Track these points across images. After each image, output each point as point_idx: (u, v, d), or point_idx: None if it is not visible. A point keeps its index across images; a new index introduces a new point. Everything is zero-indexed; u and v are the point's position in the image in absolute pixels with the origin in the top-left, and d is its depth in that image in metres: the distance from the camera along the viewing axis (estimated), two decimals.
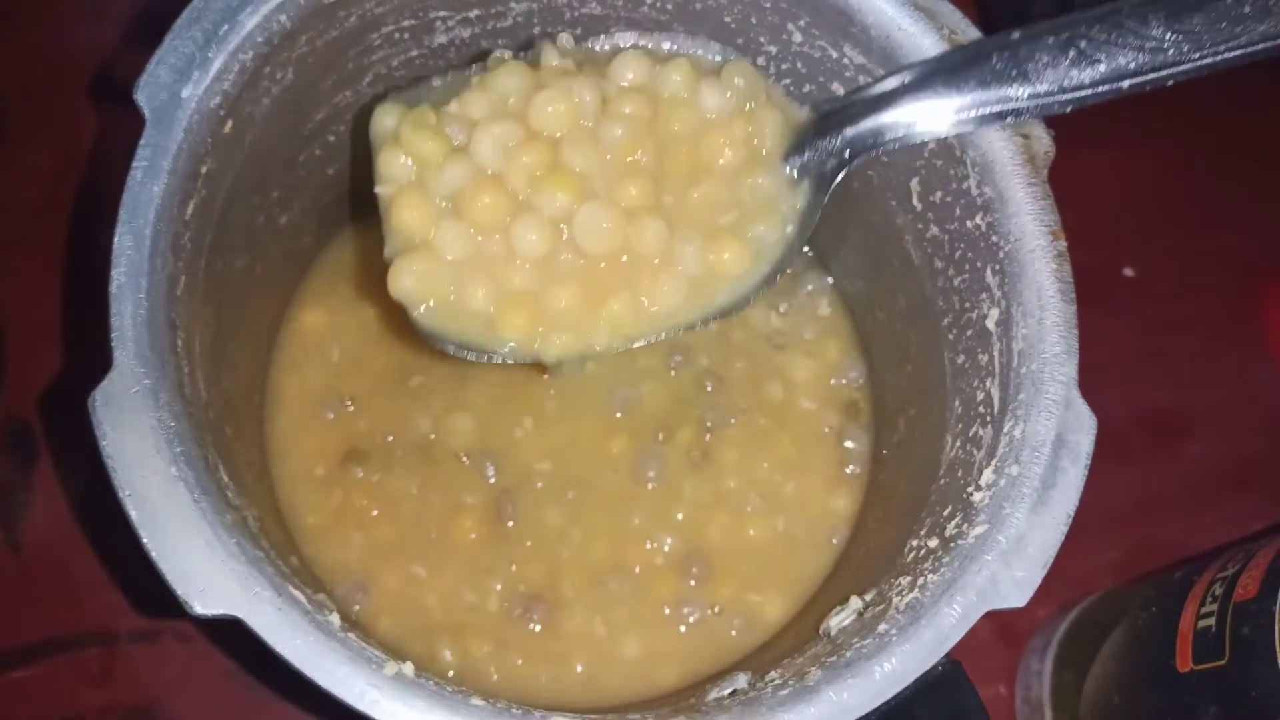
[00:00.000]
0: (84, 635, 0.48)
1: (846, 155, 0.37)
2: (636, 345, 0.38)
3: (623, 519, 0.45)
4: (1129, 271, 0.57)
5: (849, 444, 0.47)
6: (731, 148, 0.38)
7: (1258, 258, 0.58)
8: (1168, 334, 0.56)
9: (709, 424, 0.46)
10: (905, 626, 0.33)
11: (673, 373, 0.47)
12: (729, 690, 0.35)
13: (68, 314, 0.52)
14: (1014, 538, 0.33)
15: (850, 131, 0.37)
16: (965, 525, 0.34)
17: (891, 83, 0.37)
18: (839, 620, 0.36)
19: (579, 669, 0.43)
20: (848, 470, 0.46)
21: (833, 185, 0.38)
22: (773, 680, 0.33)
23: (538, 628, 0.43)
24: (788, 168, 0.38)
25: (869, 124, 0.37)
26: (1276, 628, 0.35)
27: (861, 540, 0.44)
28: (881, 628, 0.33)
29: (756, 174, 0.38)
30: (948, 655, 0.32)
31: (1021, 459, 0.34)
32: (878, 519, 0.44)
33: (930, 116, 0.36)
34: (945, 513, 0.36)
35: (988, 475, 0.35)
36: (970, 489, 0.35)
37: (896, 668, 0.32)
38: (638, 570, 0.44)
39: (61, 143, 0.54)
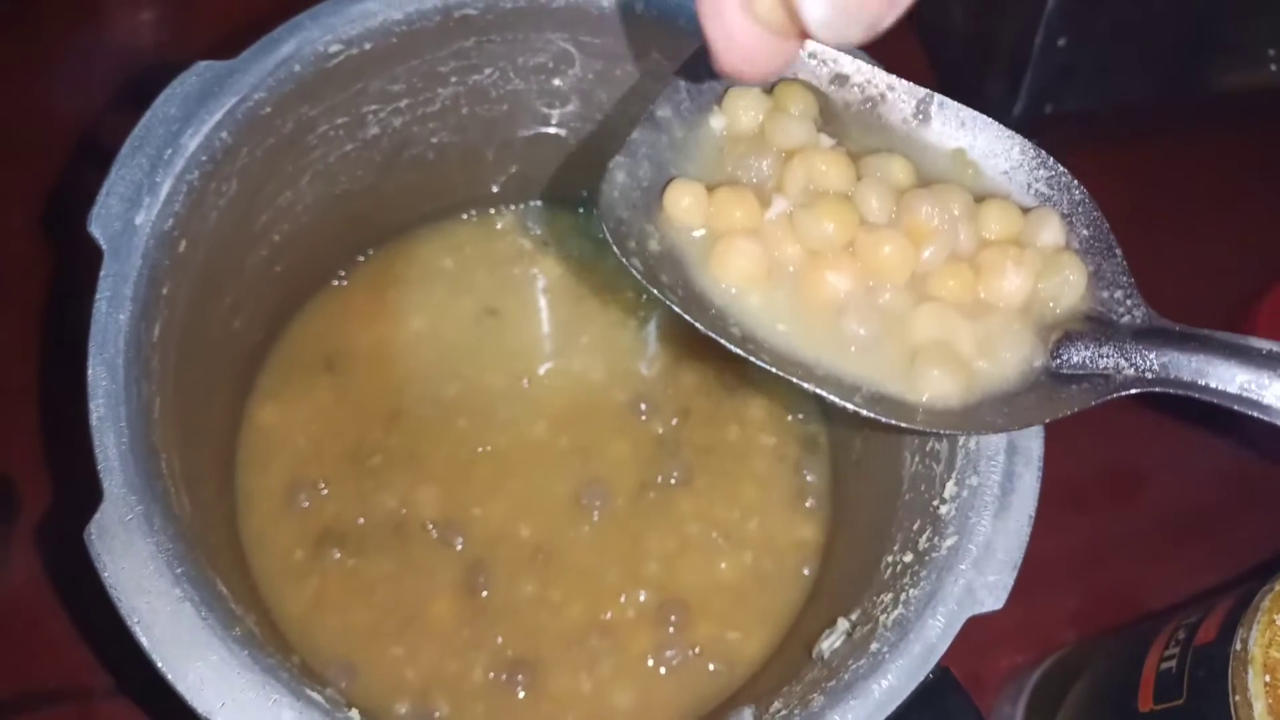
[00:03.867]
0: (60, 691, 0.48)
1: (1150, 376, 0.33)
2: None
3: (594, 576, 0.46)
4: None
5: (809, 477, 0.48)
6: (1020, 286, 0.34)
7: (1204, 308, 0.59)
8: None
9: (672, 471, 0.47)
10: (895, 643, 0.34)
11: (629, 423, 0.48)
12: None
13: (51, 372, 0.52)
14: (982, 545, 0.35)
15: (1184, 358, 0.32)
16: (936, 538, 0.36)
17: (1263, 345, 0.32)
18: (829, 643, 0.37)
19: None
20: (809, 503, 0.48)
21: (1104, 398, 0.33)
22: (778, 711, 0.35)
23: (523, 693, 0.44)
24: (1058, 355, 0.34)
25: (1213, 366, 0.32)
26: (1230, 668, 0.36)
27: (834, 565, 0.46)
28: (873, 646, 0.34)
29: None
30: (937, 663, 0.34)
31: (979, 469, 0.36)
32: (846, 542, 0.45)
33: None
34: (915, 527, 0.38)
35: (950, 488, 0.37)
36: (935, 502, 0.37)
37: (893, 683, 0.33)
38: (616, 624, 0.45)
39: (46, 206, 0.55)
